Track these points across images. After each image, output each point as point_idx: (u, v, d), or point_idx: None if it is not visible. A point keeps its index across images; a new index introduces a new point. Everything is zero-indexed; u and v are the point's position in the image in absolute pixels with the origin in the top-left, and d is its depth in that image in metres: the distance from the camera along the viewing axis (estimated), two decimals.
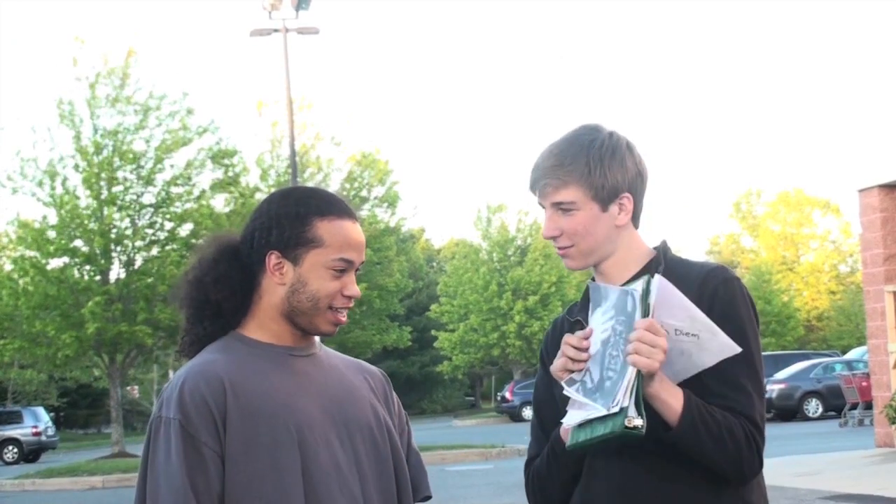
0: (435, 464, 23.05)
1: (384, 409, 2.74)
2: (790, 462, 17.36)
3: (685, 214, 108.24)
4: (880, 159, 18.01)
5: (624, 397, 2.42)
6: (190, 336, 2.67)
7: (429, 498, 2.78)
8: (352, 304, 2.63)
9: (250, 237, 2.63)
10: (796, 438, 24.20)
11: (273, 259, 2.59)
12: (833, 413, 30.45)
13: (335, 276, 2.59)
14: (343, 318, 2.63)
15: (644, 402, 2.46)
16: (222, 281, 2.62)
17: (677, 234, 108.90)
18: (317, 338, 2.73)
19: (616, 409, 2.42)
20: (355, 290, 2.61)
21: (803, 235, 71.76)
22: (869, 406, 23.30)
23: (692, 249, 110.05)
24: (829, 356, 38.30)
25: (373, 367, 2.82)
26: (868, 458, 17.09)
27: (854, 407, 26.49)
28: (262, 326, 2.63)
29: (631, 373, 2.43)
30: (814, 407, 32.58)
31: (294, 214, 2.60)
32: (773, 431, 27.88)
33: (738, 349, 2.54)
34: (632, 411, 2.40)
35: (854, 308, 55.29)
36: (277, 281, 2.59)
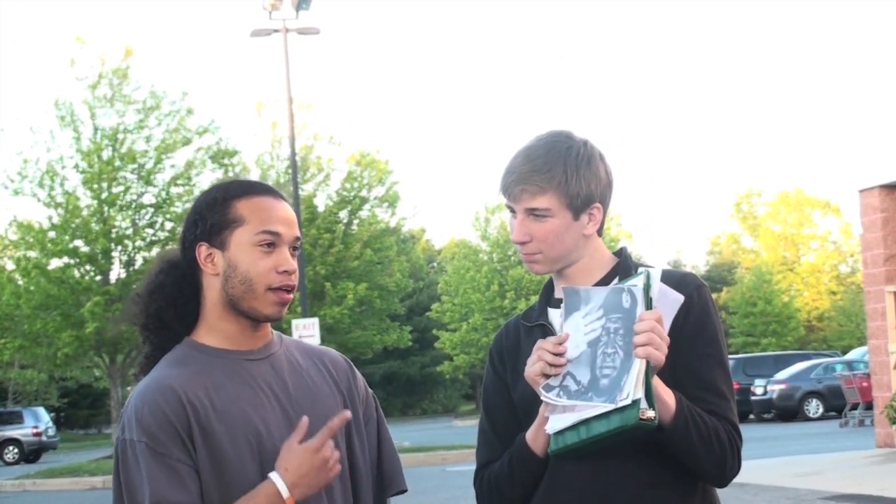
0: (436, 464, 23.08)
1: (348, 400, 2.69)
2: (791, 462, 17.37)
3: (686, 214, 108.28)
4: (881, 159, 18.01)
5: (635, 390, 2.41)
6: (143, 355, 2.66)
7: (403, 492, 2.74)
8: (293, 281, 2.56)
9: (182, 239, 2.61)
10: (797, 439, 24.22)
11: (203, 251, 2.56)
12: (833, 413, 30.45)
13: (265, 253, 2.53)
14: (287, 296, 2.56)
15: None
16: (157, 291, 2.60)
17: (678, 234, 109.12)
18: (275, 333, 2.69)
19: (628, 402, 2.41)
20: (290, 264, 2.55)
21: (804, 236, 71.75)
22: (869, 406, 23.29)
23: (693, 250, 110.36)
24: (830, 356, 38.28)
25: (335, 355, 2.77)
26: (868, 459, 17.09)
27: (854, 407, 26.49)
28: (213, 328, 2.59)
29: (640, 366, 2.42)
30: (814, 407, 32.57)
31: (213, 201, 2.58)
32: (773, 432, 28.08)
33: (682, 297, 2.55)
34: (644, 403, 2.41)
35: (854, 308, 55.27)
36: (211, 272, 2.56)
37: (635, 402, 2.41)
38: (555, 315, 2.71)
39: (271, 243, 2.54)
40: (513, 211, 2.70)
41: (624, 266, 2.72)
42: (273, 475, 2.47)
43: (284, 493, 2.45)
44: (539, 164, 2.65)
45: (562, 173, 2.64)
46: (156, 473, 2.43)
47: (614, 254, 2.78)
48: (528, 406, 2.62)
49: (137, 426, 2.47)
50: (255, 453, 2.50)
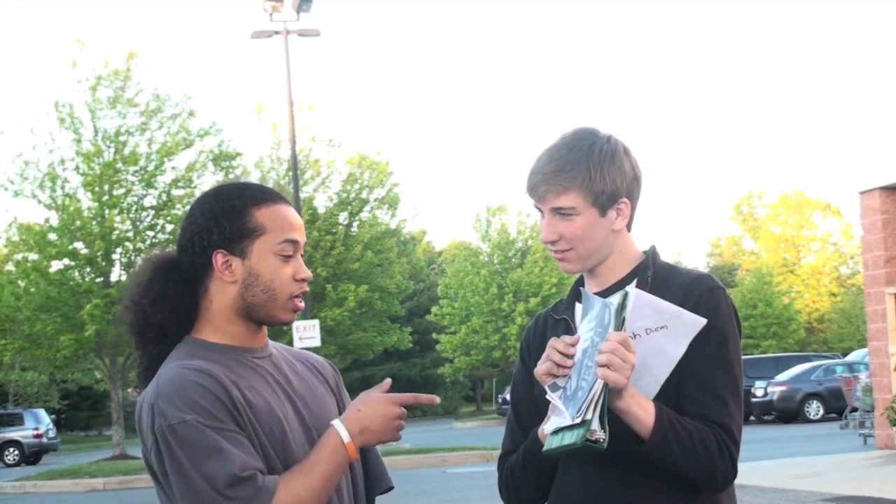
0: (436, 465, 23.06)
1: (339, 399, 2.74)
2: (791, 464, 17.36)
3: (686, 216, 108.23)
4: (881, 161, 18.02)
5: (588, 410, 2.41)
6: (142, 363, 2.62)
7: (391, 489, 2.77)
8: (307, 288, 2.60)
9: (190, 244, 2.57)
10: (797, 440, 24.22)
11: (220, 258, 2.55)
12: (834, 415, 30.46)
13: (284, 261, 2.56)
14: (302, 303, 2.60)
15: (615, 416, 2.47)
16: (160, 301, 2.57)
17: (678, 237, 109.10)
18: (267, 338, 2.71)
19: (579, 421, 2.42)
20: (306, 272, 2.59)
21: (804, 237, 71.79)
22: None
23: (693, 252, 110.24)
24: (830, 358, 38.29)
25: (321, 358, 2.80)
26: (868, 461, 17.10)
27: (855, 409, 26.49)
28: (219, 329, 2.58)
29: (598, 385, 2.42)
30: (815, 409, 32.59)
31: (230, 209, 2.56)
32: (773, 433, 28.06)
33: (703, 321, 2.54)
34: (595, 424, 2.40)
35: (855, 310, 55.31)
36: (228, 279, 2.55)
37: (585, 423, 2.41)
38: (581, 311, 2.71)
39: (291, 254, 2.57)
40: (540, 211, 2.71)
41: (644, 266, 2.72)
42: (336, 422, 2.51)
43: (345, 438, 2.48)
44: (562, 164, 2.66)
45: (585, 171, 2.64)
46: (224, 445, 2.37)
47: (644, 252, 2.78)
48: (546, 400, 2.62)
49: (185, 406, 2.39)
50: (278, 444, 2.50)
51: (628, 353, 2.43)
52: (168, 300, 2.58)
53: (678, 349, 2.55)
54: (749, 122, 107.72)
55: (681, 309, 2.54)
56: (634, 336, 2.52)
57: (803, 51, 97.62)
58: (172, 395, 2.41)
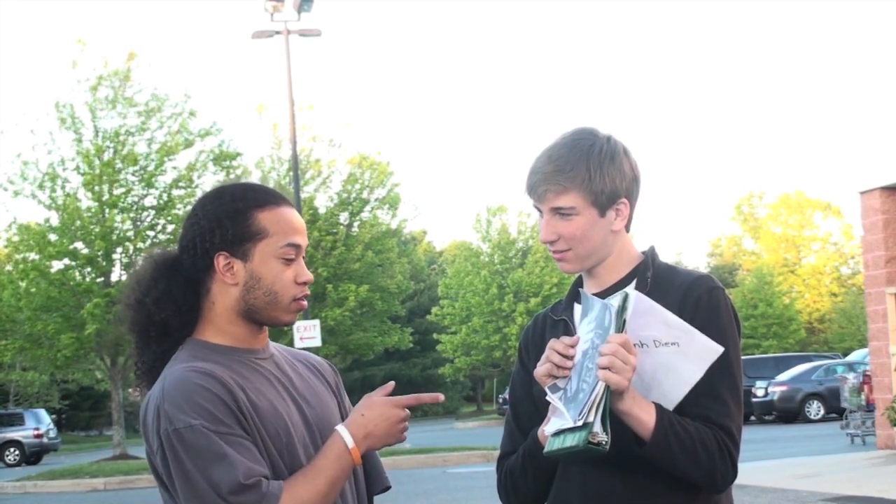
0: (437, 465, 23.07)
1: (339, 399, 2.74)
2: (791, 464, 17.36)
3: (687, 217, 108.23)
4: (882, 161, 18.02)
5: (590, 412, 2.41)
6: (144, 363, 2.61)
7: (388, 488, 2.77)
8: (308, 291, 2.60)
9: (192, 245, 2.57)
10: (798, 440, 24.22)
11: (221, 260, 2.54)
12: (834, 415, 30.45)
13: (286, 265, 2.55)
14: (305, 304, 2.60)
15: (615, 418, 2.46)
16: (164, 299, 2.56)
17: (679, 237, 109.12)
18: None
19: (580, 423, 2.42)
20: (308, 275, 2.58)
21: (805, 237, 71.79)
22: (870, 409, 23.29)
23: (693, 252, 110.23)
24: (831, 358, 38.28)
25: (321, 360, 2.80)
26: (869, 461, 17.09)
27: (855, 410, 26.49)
28: (221, 331, 2.58)
29: (600, 388, 2.42)
30: (815, 409, 32.59)
31: (234, 211, 2.55)
32: (774, 433, 28.04)
33: (721, 349, 2.54)
34: (597, 427, 2.40)
35: (855, 310, 55.28)
36: (229, 281, 2.54)
37: (587, 425, 2.41)
38: (579, 311, 2.71)
39: (293, 258, 2.57)
40: (540, 211, 2.71)
41: (643, 267, 2.72)
42: (340, 427, 2.51)
43: (350, 443, 2.49)
44: (562, 164, 2.65)
45: (585, 171, 2.64)
46: (229, 451, 2.38)
47: (643, 252, 2.77)
48: (546, 401, 2.62)
49: (191, 410, 2.40)
50: (283, 446, 2.50)
51: (629, 356, 2.43)
52: (172, 299, 2.57)
53: (693, 373, 2.54)
54: (749, 122, 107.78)
55: (693, 329, 2.53)
56: (642, 345, 2.52)
57: (803, 50, 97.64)
58: (178, 399, 2.41)
